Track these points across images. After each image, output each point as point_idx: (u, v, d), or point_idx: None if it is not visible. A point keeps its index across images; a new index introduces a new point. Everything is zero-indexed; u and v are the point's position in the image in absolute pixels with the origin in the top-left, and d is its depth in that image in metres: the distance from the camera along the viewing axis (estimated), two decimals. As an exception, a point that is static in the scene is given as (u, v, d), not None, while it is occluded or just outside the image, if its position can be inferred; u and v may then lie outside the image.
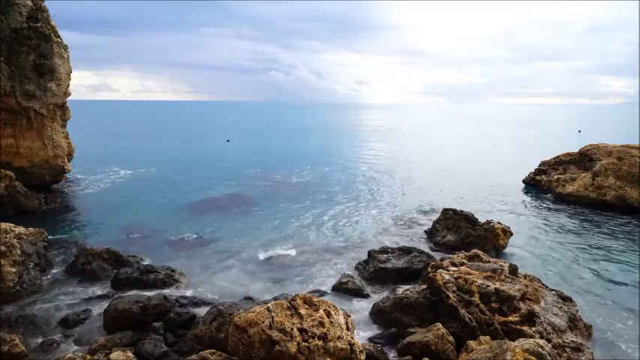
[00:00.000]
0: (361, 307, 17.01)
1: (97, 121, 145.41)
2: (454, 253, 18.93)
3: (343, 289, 18.29)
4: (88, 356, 12.54)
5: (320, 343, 11.29)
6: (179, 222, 28.21)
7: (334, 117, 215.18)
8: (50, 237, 22.97)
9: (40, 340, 14.44)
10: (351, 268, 20.93)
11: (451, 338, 13.37)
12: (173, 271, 19.53)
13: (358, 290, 18.19)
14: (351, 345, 11.73)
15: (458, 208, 25.65)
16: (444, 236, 24.28)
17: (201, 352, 12.23)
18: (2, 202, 27.85)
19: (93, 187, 38.35)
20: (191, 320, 15.13)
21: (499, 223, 23.74)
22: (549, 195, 36.35)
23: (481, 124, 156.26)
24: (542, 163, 41.00)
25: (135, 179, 42.85)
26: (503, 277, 15.89)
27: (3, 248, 17.68)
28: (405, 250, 21.12)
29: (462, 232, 23.55)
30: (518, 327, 13.59)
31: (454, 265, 16.98)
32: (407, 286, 16.94)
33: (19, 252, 18.15)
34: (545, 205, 33.69)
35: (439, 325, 13.66)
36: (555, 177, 37.03)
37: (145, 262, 20.86)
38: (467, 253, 18.40)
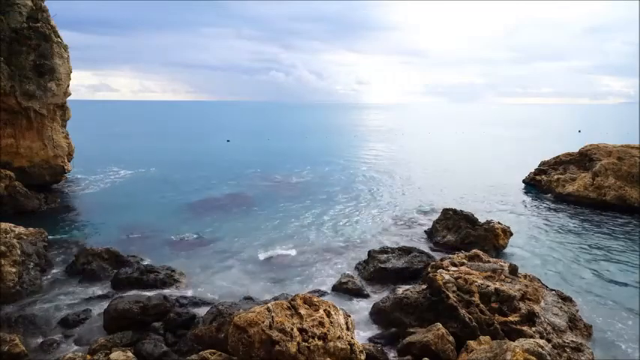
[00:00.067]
0: (361, 307, 17.01)
1: (97, 121, 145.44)
2: (454, 253, 18.94)
3: (343, 289, 18.29)
4: (88, 356, 12.54)
5: (320, 343, 11.29)
6: (179, 222, 28.21)
7: (334, 117, 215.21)
8: (50, 237, 22.98)
9: (40, 340, 14.44)
10: (351, 268, 20.93)
11: (451, 338, 13.37)
12: (173, 271, 19.53)
13: (358, 290, 18.19)
14: (351, 345, 11.74)
15: (458, 208, 25.65)
16: (444, 236, 24.28)
17: (201, 352, 12.23)
18: (2, 202, 27.85)
19: (93, 187, 38.35)
20: (191, 320, 15.13)
21: (499, 223, 23.74)
22: (549, 195, 36.35)
23: (481, 124, 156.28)
24: (542, 163, 41.00)
25: (135, 179, 42.85)
26: (503, 277, 15.89)
27: (3, 248, 17.69)
28: (405, 250, 21.12)
29: (462, 232, 23.55)
30: (518, 327, 13.59)
31: (454, 265, 16.98)
32: (407, 286, 16.94)
33: (19, 252, 18.16)
34: (545, 205, 33.69)
35: (439, 325, 13.66)
36: (555, 177, 37.04)
37: (145, 262, 20.86)
38: (467, 253, 18.40)
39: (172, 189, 38.38)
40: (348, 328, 12.37)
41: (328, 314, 12.16)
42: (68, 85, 34.36)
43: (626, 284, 19.43)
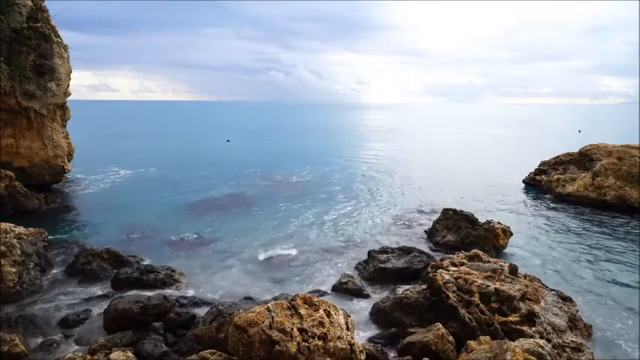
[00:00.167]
0: (361, 307, 17.00)
1: (97, 121, 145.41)
2: (454, 253, 18.93)
3: (343, 289, 18.29)
4: (88, 356, 12.54)
5: (320, 343, 11.29)
6: (179, 222, 28.20)
7: (334, 117, 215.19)
8: (50, 237, 22.96)
9: (40, 340, 14.42)
10: (351, 268, 20.92)
11: (451, 338, 13.36)
12: (173, 271, 19.52)
13: (358, 290, 18.19)
14: (351, 345, 11.73)
15: (458, 208, 25.63)
16: (444, 236, 24.28)
17: (201, 352, 12.22)
18: (2, 202, 27.84)
19: (93, 187, 38.34)
20: (191, 320, 15.13)
21: (499, 223, 23.73)
22: (549, 195, 36.34)
23: (481, 124, 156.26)
24: (542, 163, 40.99)
25: (135, 179, 42.84)
26: (503, 277, 15.89)
27: (3, 248, 17.69)
28: (405, 250, 21.11)
29: (462, 232, 23.54)
30: (518, 327, 13.59)
31: (454, 265, 16.98)
32: (407, 286, 16.93)
33: (19, 252, 18.15)
34: (545, 205, 33.68)
35: (439, 325, 13.66)
36: (555, 177, 37.03)
37: (145, 262, 20.85)
38: (467, 253, 18.40)
39: (172, 189, 38.37)
40: (348, 328, 12.37)
41: (328, 314, 12.16)
42: (68, 85, 34.36)
43: (626, 284, 19.42)
